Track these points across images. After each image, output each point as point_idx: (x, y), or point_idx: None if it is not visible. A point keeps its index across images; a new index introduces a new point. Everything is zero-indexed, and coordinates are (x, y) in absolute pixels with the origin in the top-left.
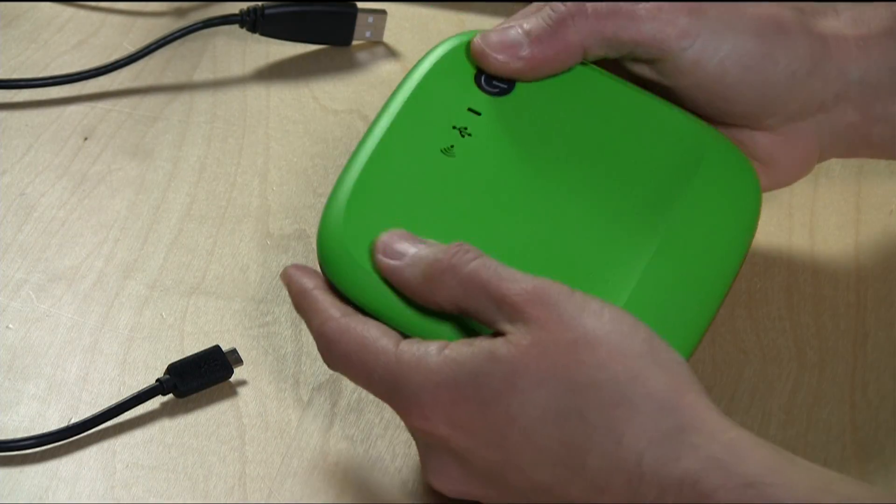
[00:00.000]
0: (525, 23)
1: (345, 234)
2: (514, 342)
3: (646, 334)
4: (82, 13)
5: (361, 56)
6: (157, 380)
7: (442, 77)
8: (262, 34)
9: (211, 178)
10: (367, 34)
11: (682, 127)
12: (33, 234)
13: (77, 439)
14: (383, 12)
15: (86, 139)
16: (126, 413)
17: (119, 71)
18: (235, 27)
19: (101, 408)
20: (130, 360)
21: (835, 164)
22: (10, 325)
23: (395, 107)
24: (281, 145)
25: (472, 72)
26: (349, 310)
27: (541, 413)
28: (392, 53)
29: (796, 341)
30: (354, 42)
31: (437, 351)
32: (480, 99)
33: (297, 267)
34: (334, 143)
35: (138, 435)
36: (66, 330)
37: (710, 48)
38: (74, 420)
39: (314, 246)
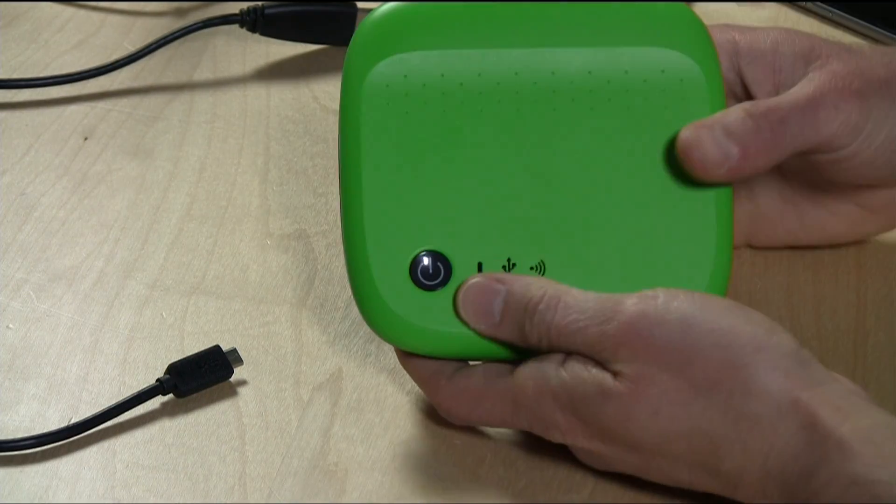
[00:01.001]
0: (731, 131)
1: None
2: (619, 379)
3: (743, 328)
4: (82, 13)
5: None
6: (158, 380)
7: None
8: (262, 34)
9: (211, 178)
10: None
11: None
12: (33, 234)
13: (77, 439)
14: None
15: (86, 139)
16: (126, 413)
17: (119, 71)
18: (235, 27)
19: (101, 408)
20: (130, 360)
21: None
22: (10, 325)
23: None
24: (281, 145)
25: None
26: (450, 368)
27: (664, 435)
28: None
29: None
30: None
31: (554, 373)
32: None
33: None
34: (334, 142)
35: (138, 435)
36: (66, 330)
37: (869, 139)
38: (74, 420)
39: (314, 246)
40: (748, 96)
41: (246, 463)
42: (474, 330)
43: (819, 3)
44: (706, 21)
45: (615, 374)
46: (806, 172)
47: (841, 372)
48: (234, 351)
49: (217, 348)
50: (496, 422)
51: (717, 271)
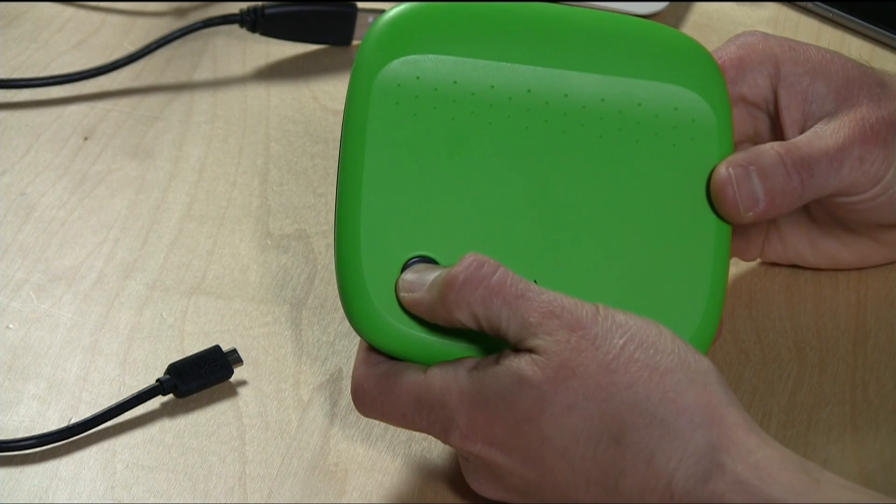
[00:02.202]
0: (767, 177)
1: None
2: (540, 365)
3: (673, 344)
4: (82, 13)
5: None
6: (158, 380)
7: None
8: (262, 34)
9: (211, 178)
10: None
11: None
12: (33, 234)
13: (77, 439)
14: (383, 12)
15: (86, 139)
16: (126, 413)
17: (119, 71)
18: (235, 27)
19: (101, 408)
20: (130, 360)
21: None
22: (10, 325)
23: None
24: (281, 145)
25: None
26: (376, 360)
27: (573, 435)
28: None
29: (796, 341)
30: (354, 42)
31: (465, 372)
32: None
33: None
34: (334, 143)
35: (138, 435)
36: (66, 330)
37: (887, 185)
38: (74, 420)
39: (314, 246)
40: (776, 116)
41: (246, 463)
42: (400, 300)
43: (819, 3)
44: (706, 21)
45: (534, 350)
46: (826, 209)
47: (841, 372)
48: (234, 351)
49: (217, 348)
50: (397, 416)
51: (708, 311)
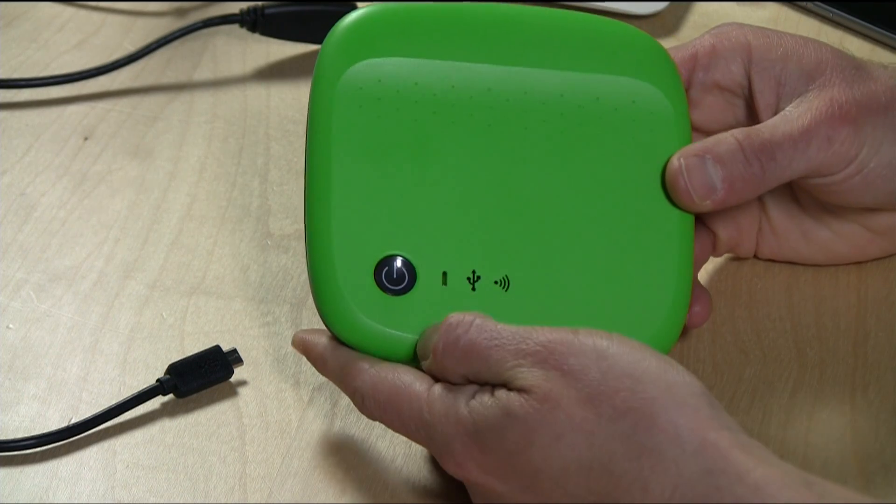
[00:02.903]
0: (724, 164)
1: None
2: (526, 399)
3: (656, 367)
4: (82, 13)
5: None
6: (158, 380)
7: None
8: (262, 34)
9: (211, 178)
10: None
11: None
12: (33, 234)
13: (77, 439)
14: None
15: (86, 139)
16: (126, 413)
17: (119, 71)
18: (235, 27)
19: (102, 408)
20: (130, 360)
21: None
22: (10, 325)
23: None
24: (281, 145)
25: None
26: (375, 360)
27: (563, 465)
28: None
29: (796, 341)
30: None
31: (464, 402)
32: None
33: (305, 332)
34: None
35: (138, 435)
36: (66, 330)
37: (860, 165)
38: (74, 420)
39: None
40: (752, 100)
41: (246, 463)
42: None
43: (819, 3)
44: (706, 21)
45: (522, 390)
46: (807, 192)
47: (841, 372)
48: (234, 351)
49: (217, 348)
50: (401, 424)
51: (675, 301)
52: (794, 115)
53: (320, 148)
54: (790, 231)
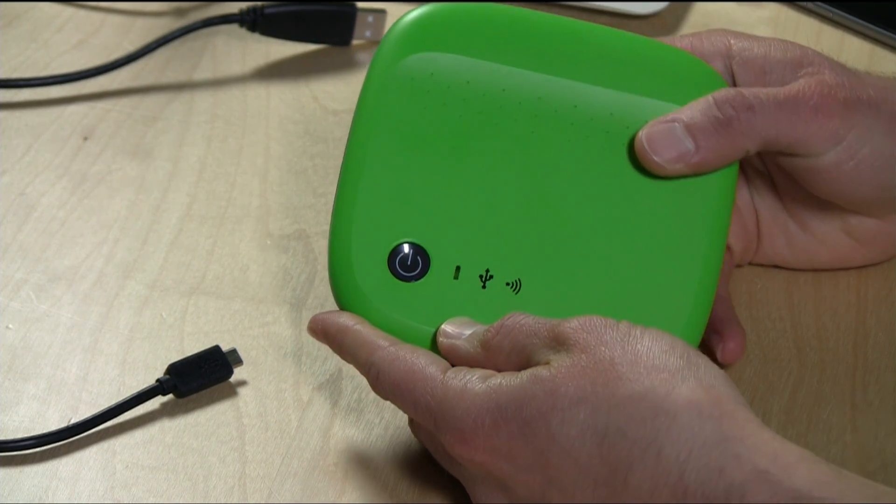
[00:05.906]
0: (690, 123)
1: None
2: (555, 365)
3: (683, 350)
4: (82, 13)
5: (361, 56)
6: (157, 380)
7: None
8: (262, 34)
9: (211, 178)
10: (367, 34)
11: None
12: (33, 234)
13: (77, 439)
14: (383, 12)
15: (86, 139)
16: (126, 413)
17: (119, 71)
18: (235, 27)
19: (101, 408)
20: (130, 360)
21: None
22: (10, 325)
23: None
24: (281, 145)
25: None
26: (395, 339)
27: (580, 431)
28: None
29: (796, 341)
30: (354, 42)
31: (481, 379)
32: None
33: (325, 313)
34: (334, 143)
35: (138, 435)
36: (66, 330)
37: (850, 150)
38: (74, 420)
39: (314, 246)
40: None
41: (246, 463)
42: (438, 343)
43: (819, 3)
44: (706, 21)
45: (550, 362)
46: (795, 185)
47: (841, 372)
48: (233, 351)
49: (217, 348)
50: (412, 403)
51: (694, 316)
52: (780, 88)
53: (362, 130)
54: (775, 236)
